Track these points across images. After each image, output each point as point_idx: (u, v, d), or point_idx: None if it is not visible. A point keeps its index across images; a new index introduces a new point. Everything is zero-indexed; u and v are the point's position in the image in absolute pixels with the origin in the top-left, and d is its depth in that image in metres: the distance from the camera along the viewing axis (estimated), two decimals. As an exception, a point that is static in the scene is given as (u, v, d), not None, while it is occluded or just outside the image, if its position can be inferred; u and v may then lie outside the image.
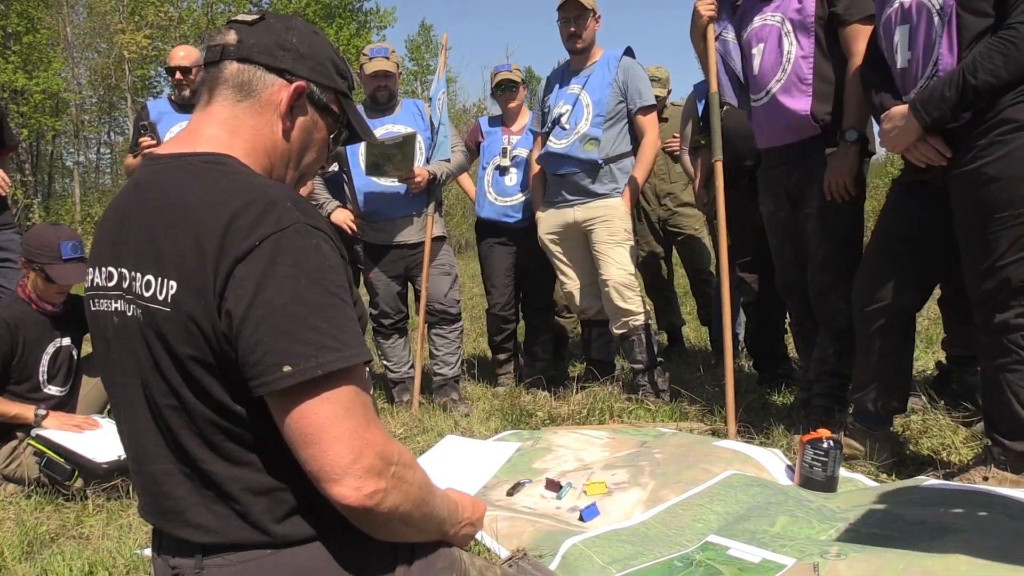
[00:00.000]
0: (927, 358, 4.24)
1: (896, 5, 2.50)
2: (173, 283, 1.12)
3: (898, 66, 2.51)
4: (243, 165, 1.22)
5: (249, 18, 1.31)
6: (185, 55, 4.16)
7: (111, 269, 1.23)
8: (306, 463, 1.07)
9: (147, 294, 1.15)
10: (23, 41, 19.73)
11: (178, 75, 4.13)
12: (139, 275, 1.17)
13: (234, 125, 1.26)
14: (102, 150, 27.98)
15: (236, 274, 1.07)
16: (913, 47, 2.45)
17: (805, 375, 3.37)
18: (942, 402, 3.13)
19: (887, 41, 2.56)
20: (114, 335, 1.23)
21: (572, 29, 3.97)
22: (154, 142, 4.00)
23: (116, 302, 1.22)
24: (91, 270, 1.29)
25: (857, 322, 2.74)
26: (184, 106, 4.11)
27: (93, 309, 1.28)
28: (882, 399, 2.69)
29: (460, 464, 2.83)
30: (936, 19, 2.37)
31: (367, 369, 1.18)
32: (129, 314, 1.19)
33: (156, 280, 1.14)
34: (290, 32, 1.30)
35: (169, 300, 1.12)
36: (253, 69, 1.26)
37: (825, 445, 2.39)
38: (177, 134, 1.34)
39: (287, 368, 1.05)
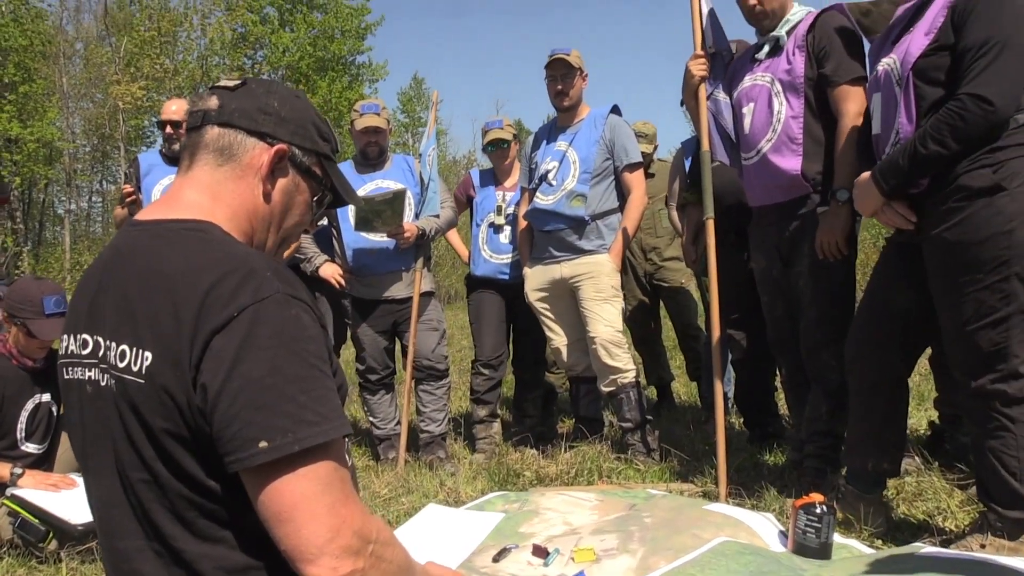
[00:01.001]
0: (919, 415, 4.21)
1: (874, 73, 2.57)
2: (148, 353, 1.09)
3: (873, 132, 2.56)
4: (224, 232, 1.20)
5: (231, 83, 1.31)
6: (177, 109, 4.17)
7: (86, 336, 1.20)
8: (281, 541, 1.03)
9: (121, 364, 1.12)
10: (19, 91, 19.89)
11: (169, 129, 4.14)
12: (114, 344, 1.14)
13: (216, 190, 1.25)
14: (94, 199, 28.08)
15: (213, 345, 1.04)
16: (883, 115, 2.49)
17: (797, 434, 3.34)
18: (936, 463, 3.10)
19: (870, 107, 2.61)
20: (87, 404, 1.20)
21: (559, 87, 4.02)
22: (132, 189, 4.04)
23: (90, 370, 1.19)
24: (65, 337, 1.26)
25: (850, 382, 2.72)
26: (174, 159, 4.11)
27: (67, 377, 1.25)
28: (875, 461, 2.65)
29: (442, 534, 2.75)
30: (896, 88, 2.42)
31: (346, 438, 1.14)
32: (103, 384, 1.16)
33: (131, 350, 1.11)
34: (271, 96, 1.30)
35: (143, 371, 1.09)
36: (234, 133, 1.26)
37: (818, 510, 2.34)
38: (158, 199, 1.32)
39: (263, 444, 1.01)
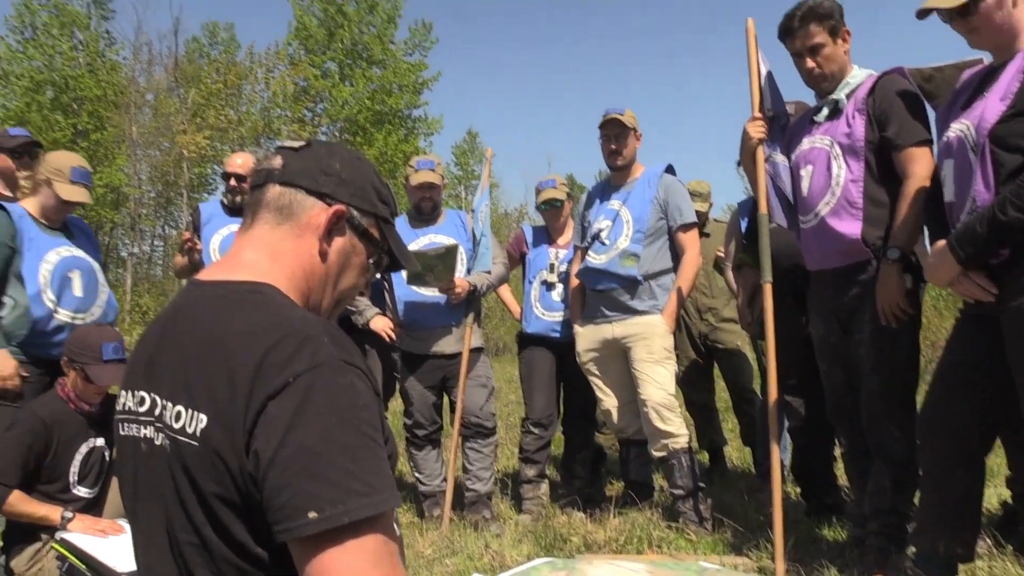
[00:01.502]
0: (989, 492, 4.00)
1: (944, 139, 2.50)
2: (203, 416, 1.08)
3: (946, 199, 2.48)
4: (282, 295, 1.20)
5: (296, 144, 1.33)
6: (242, 163, 4.23)
7: (143, 394, 1.20)
8: None
9: (176, 425, 1.11)
10: (91, 138, 20.80)
11: (233, 181, 4.19)
12: (170, 404, 1.14)
13: (275, 248, 1.25)
14: (155, 242, 28.91)
15: (267, 411, 1.03)
16: (957, 182, 2.42)
17: (858, 509, 3.19)
18: (1010, 547, 2.92)
19: (941, 174, 2.53)
20: (141, 462, 1.19)
21: (613, 147, 4.03)
22: (190, 235, 4.10)
23: (146, 428, 1.19)
24: (123, 393, 1.27)
25: (922, 461, 2.59)
26: (234, 210, 4.19)
27: (122, 433, 1.25)
28: (947, 544, 2.50)
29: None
30: (971, 155, 2.34)
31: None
32: (157, 443, 1.16)
33: (186, 412, 1.11)
34: (333, 158, 1.31)
35: (198, 434, 1.08)
36: (294, 192, 1.26)
37: (884, 594, 2.21)
38: (220, 259, 1.33)
39: (312, 514, 0.98)
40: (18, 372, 3.33)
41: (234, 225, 4.06)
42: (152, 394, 1.19)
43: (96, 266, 3.68)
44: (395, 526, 1.10)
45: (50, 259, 3.47)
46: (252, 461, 1.03)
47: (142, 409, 1.20)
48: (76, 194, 3.54)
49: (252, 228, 1.28)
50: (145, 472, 1.18)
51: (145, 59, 24.39)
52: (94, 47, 21.28)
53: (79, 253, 3.61)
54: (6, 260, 3.34)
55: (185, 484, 1.10)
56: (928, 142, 2.82)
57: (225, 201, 4.30)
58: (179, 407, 1.12)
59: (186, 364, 1.14)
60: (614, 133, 4.02)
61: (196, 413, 1.09)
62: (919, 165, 2.81)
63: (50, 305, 3.44)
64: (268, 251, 1.25)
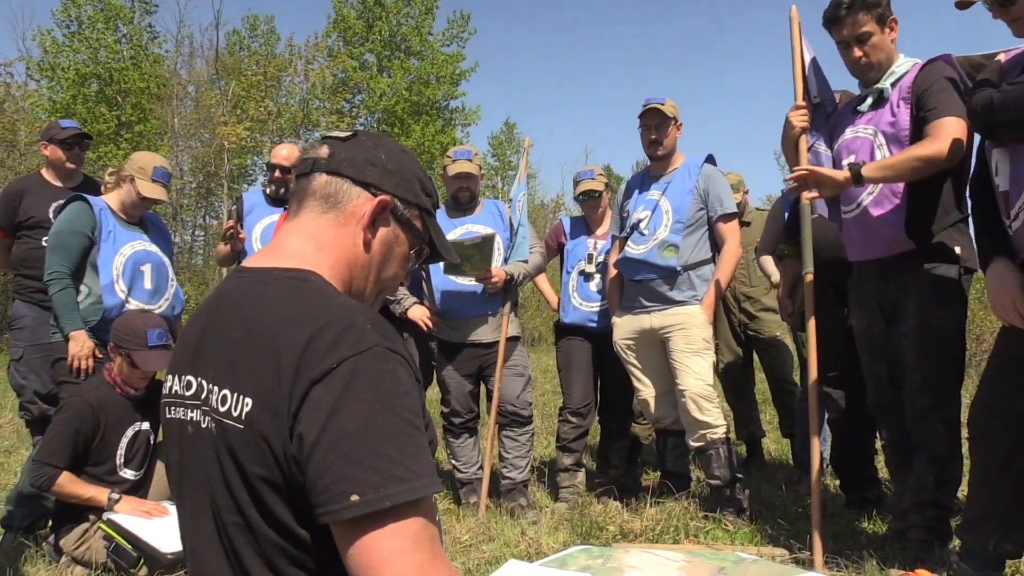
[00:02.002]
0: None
1: None
2: (249, 400, 1.10)
3: (1001, 188, 2.40)
4: (325, 282, 1.22)
5: (342, 134, 1.34)
6: (287, 154, 4.27)
7: (190, 378, 1.23)
8: None
9: (223, 408, 1.14)
10: (135, 130, 21.14)
11: (277, 173, 4.23)
12: (216, 388, 1.16)
13: (319, 237, 1.27)
14: (196, 232, 29.38)
15: (311, 396, 1.05)
16: (1013, 171, 2.34)
17: (899, 503, 3.14)
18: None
19: (991, 161, 2.45)
20: (187, 445, 1.22)
21: (653, 136, 3.99)
22: (233, 223, 4.16)
23: (192, 411, 1.21)
24: (170, 377, 1.29)
25: (976, 456, 2.54)
26: (277, 200, 4.25)
27: (168, 416, 1.28)
28: (997, 541, 2.45)
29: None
30: None
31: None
32: (203, 426, 1.18)
33: (232, 395, 1.13)
34: (379, 149, 1.32)
35: (243, 417, 1.10)
36: (340, 181, 1.28)
37: (926, 588, 2.18)
38: (265, 247, 1.35)
39: (354, 497, 1.00)
40: (93, 352, 3.50)
41: (276, 215, 4.11)
42: (199, 378, 1.21)
43: (167, 261, 3.86)
44: (435, 512, 1.12)
45: (125, 252, 3.65)
46: (296, 444, 1.05)
47: (189, 393, 1.23)
48: (155, 191, 3.73)
49: (298, 216, 1.30)
50: (191, 455, 1.21)
51: (187, 52, 24.72)
52: (138, 40, 21.60)
53: (152, 248, 3.78)
54: (85, 250, 3.56)
55: (231, 466, 1.12)
56: (962, 116, 2.74)
57: (268, 191, 4.35)
58: (225, 391, 1.14)
59: (232, 349, 1.16)
60: (654, 123, 3.99)
61: (242, 397, 1.11)
62: (943, 130, 2.73)
63: (122, 296, 3.59)
64: (312, 239, 1.27)
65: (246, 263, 1.31)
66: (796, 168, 3.10)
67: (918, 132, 2.86)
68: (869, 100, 3.05)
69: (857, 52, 2.99)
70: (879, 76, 3.01)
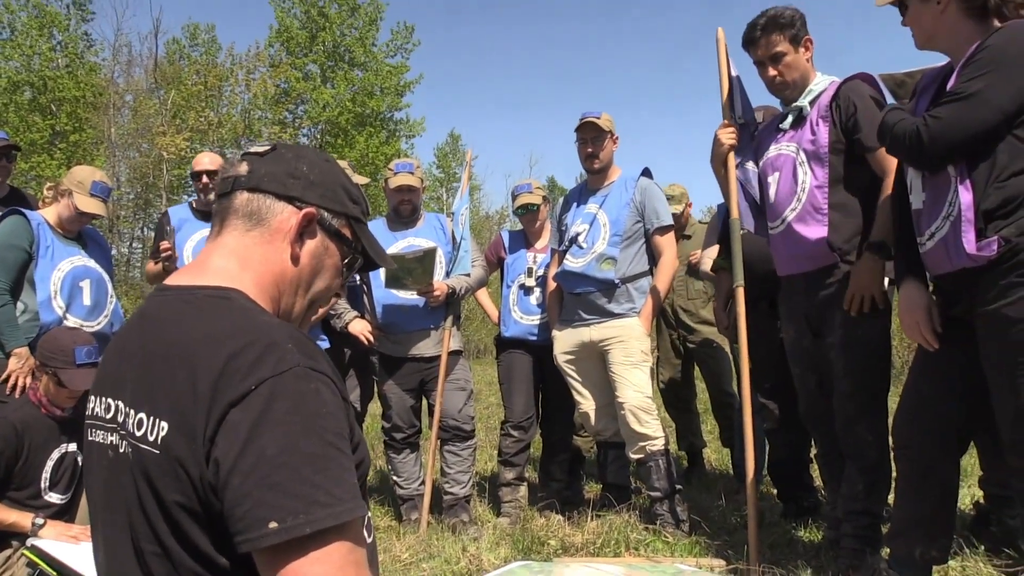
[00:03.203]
0: (962, 492, 4.04)
1: None
2: (165, 424, 1.07)
3: (913, 207, 2.48)
4: (249, 300, 1.19)
5: (261, 149, 1.31)
6: (210, 160, 4.19)
7: (109, 401, 1.19)
8: None
9: (139, 433, 1.10)
10: (70, 139, 20.51)
11: (204, 179, 4.13)
12: (133, 411, 1.13)
13: (244, 255, 1.24)
14: (135, 244, 28.66)
15: (229, 419, 1.02)
16: (928, 195, 2.41)
17: (833, 512, 3.21)
18: (982, 547, 2.95)
19: (907, 179, 2.53)
20: (106, 470, 1.18)
21: (589, 150, 4.04)
22: (169, 246, 4.02)
23: (111, 435, 1.18)
24: (92, 398, 1.25)
25: (899, 466, 2.61)
26: (205, 214, 4.15)
27: (89, 439, 1.24)
28: (923, 548, 2.51)
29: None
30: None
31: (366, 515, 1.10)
32: (121, 451, 1.15)
33: (148, 419, 1.09)
34: (300, 160, 1.30)
35: (159, 442, 1.07)
36: (263, 198, 1.25)
37: (855, 596, 2.23)
38: (188, 264, 1.32)
39: (273, 524, 0.97)
40: (33, 371, 3.39)
41: (207, 230, 4.01)
42: (117, 400, 1.17)
43: (106, 277, 3.78)
44: (364, 533, 1.10)
45: (63, 267, 3.58)
46: (212, 470, 1.02)
47: (108, 416, 1.19)
48: (93, 206, 3.66)
49: (221, 236, 1.27)
50: (109, 480, 1.17)
51: (125, 60, 24.15)
52: (73, 48, 21.01)
53: (91, 263, 3.71)
54: (23, 265, 3.48)
55: (148, 493, 1.09)
56: None
57: (195, 205, 4.25)
58: (141, 414, 1.11)
59: (149, 371, 1.13)
60: (590, 136, 4.03)
61: (158, 420, 1.08)
62: (895, 162, 2.82)
63: (59, 312, 3.52)
64: (237, 257, 1.24)
65: (169, 281, 1.28)
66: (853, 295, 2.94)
67: (843, 149, 2.94)
68: (790, 119, 3.14)
69: (772, 71, 3.08)
70: (796, 94, 3.10)
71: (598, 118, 4.00)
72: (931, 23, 2.39)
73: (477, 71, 61.09)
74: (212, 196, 4.12)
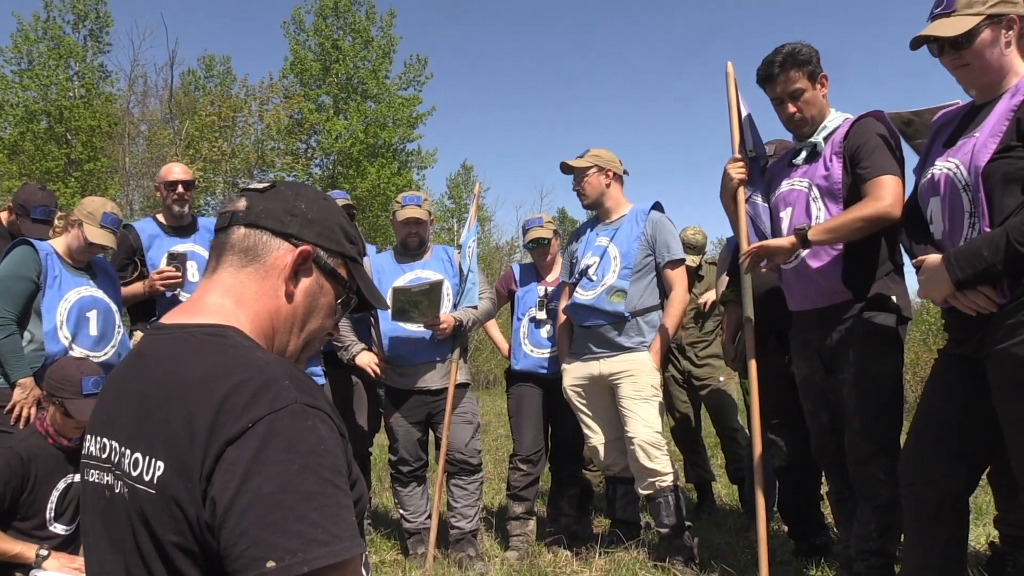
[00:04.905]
0: (977, 531, 3.98)
1: (928, 176, 2.49)
2: (161, 463, 1.06)
3: (935, 237, 2.47)
4: (245, 337, 1.18)
5: (261, 186, 1.32)
6: (181, 170, 4.18)
7: (105, 441, 1.19)
8: None
9: (134, 473, 1.09)
10: (84, 168, 20.73)
11: (180, 188, 4.10)
12: (128, 451, 1.12)
13: (239, 291, 1.24)
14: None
15: (225, 457, 1.01)
16: (949, 219, 2.40)
17: (845, 551, 3.15)
18: (996, 589, 2.89)
19: (927, 211, 2.51)
20: (101, 509, 1.17)
21: (575, 188, 4.09)
22: (179, 274, 3.98)
23: (107, 475, 1.17)
24: (88, 437, 1.25)
25: (906, 506, 2.56)
26: (177, 229, 4.12)
27: (85, 478, 1.23)
28: None
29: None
30: (964, 194, 2.33)
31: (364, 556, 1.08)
32: (116, 491, 1.14)
33: (144, 459, 1.09)
34: (299, 198, 1.30)
35: (155, 481, 1.06)
36: (259, 234, 1.25)
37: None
38: (183, 303, 1.31)
39: (271, 564, 0.96)
40: (38, 401, 3.41)
41: (183, 245, 4.04)
42: (112, 441, 1.17)
43: (114, 307, 3.77)
44: (363, 571, 1.08)
45: (70, 297, 3.59)
46: (208, 509, 1.01)
47: (103, 456, 1.18)
48: (102, 237, 3.66)
49: (217, 271, 1.26)
50: (105, 520, 1.16)
51: (140, 90, 24.46)
52: (90, 79, 21.33)
53: (99, 294, 3.71)
54: (30, 295, 3.49)
55: (143, 534, 1.08)
56: (897, 175, 2.84)
57: (164, 219, 4.19)
58: (137, 454, 1.10)
59: (145, 410, 1.12)
60: (573, 177, 4.07)
61: (154, 460, 1.07)
62: (883, 189, 2.81)
63: (65, 342, 3.52)
64: (232, 294, 1.23)
65: (164, 319, 1.27)
66: (746, 250, 3.14)
67: (852, 187, 2.94)
68: (803, 154, 3.14)
69: (791, 108, 3.08)
70: (812, 130, 3.11)
71: (574, 160, 4.05)
72: (998, 59, 2.36)
73: (491, 103, 61.55)
74: (186, 209, 4.14)
